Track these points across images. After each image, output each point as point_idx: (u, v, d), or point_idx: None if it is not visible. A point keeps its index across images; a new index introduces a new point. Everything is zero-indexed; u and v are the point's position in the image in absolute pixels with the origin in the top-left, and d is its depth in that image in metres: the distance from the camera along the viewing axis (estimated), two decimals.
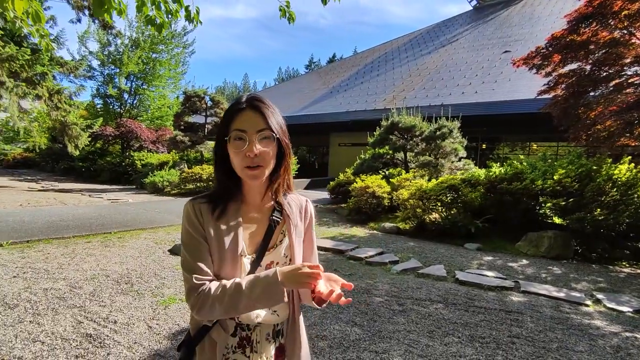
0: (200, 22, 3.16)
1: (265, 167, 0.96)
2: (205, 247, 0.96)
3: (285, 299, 0.91)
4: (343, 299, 0.85)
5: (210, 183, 12.24)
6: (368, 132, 11.94)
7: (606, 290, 4.34)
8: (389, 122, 10.83)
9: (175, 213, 8.46)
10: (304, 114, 20.68)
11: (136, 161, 16.90)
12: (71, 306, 3.32)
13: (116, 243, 5.72)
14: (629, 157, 6.19)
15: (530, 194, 6.40)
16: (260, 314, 1.00)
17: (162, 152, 18.41)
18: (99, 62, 21.43)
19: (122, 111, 22.40)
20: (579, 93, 7.03)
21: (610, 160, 6.39)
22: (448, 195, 7.18)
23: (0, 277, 3.96)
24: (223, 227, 0.98)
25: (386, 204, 8.73)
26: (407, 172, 10.33)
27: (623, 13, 6.06)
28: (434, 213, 7.16)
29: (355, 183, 9.27)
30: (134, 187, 15.33)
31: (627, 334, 3.16)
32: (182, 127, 15.71)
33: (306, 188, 16.04)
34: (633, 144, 6.90)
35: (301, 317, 1.12)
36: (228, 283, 0.92)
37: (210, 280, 0.94)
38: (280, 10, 3.21)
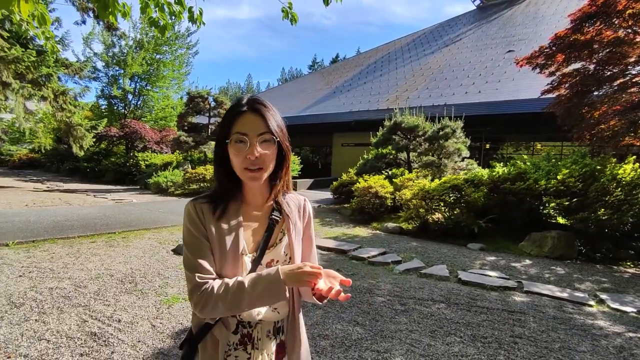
0: (204, 23, 3.18)
1: (265, 169, 0.98)
2: (207, 246, 0.98)
3: (287, 297, 0.93)
4: (342, 295, 0.87)
5: (214, 183, 12.30)
6: (371, 132, 11.94)
7: (610, 290, 4.32)
8: (392, 122, 10.83)
9: (179, 213, 8.51)
10: (307, 114, 20.70)
11: (140, 162, 17.01)
12: (76, 305, 3.36)
13: (120, 243, 5.77)
14: (634, 157, 6.15)
15: (533, 194, 6.38)
16: (261, 311, 1.02)
17: (166, 153, 18.52)
18: (104, 64, 21.65)
19: (126, 112, 22.57)
20: (582, 92, 6.99)
21: (614, 160, 6.35)
22: (451, 195, 7.16)
23: (7, 277, 4.01)
24: (224, 226, 0.99)
25: (389, 204, 8.72)
26: (410, 172, 10.32)
27: (627, 12, 6.02)
28: (436, 213, 7.15)
29: (358, 183, 9.27)
30: (138, 187, 15.42)
31: (631, 334, 3.15)
32: (186, 128, 15.78)
33: (309, 188, 16.06)
34: (638, 144, 6.85)
35: (301, 314, 1.14)
36: (230, 281, 0.94)
37: (213, 279, 0.95)
38: (282, 11, 3.23)
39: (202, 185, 12.67)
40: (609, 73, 6.65)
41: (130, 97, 22.59)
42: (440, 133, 9.88)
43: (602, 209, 5.68)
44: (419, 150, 10.60)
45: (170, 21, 3.01)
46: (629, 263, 5.51)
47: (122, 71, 21.33)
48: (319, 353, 2.68)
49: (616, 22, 6.30)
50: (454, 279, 4.62)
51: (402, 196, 8.26)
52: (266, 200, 1.07)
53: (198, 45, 24.29)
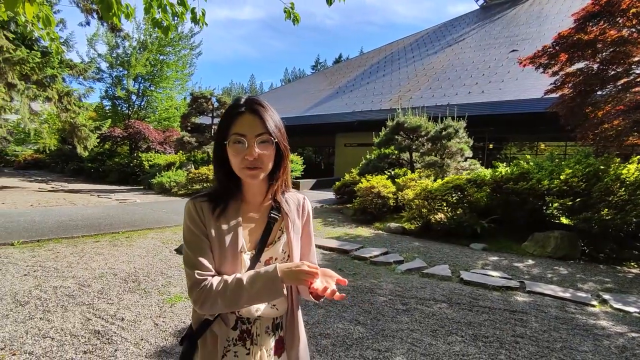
0: (206, 24, 3.20)
1: (264, 169, 0.99)
2: (207, 244, 0.99)
3: (284, 294, 0.94)
4: (337, 294, 0.88)
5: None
6: (374, 133, 11.95)
7: (613, 290, 4.30)
8: (395, 122, 10.83)
9: (182, 213, 8.51)
10: (310, 115, 20.73)
11: (144, 162, 17.09)
12: (80, 304, 3.39)
13: (124, 242, 5.80)
14: (638, 157, 6.12)
15: (536, 193, 6.36)
16: (260, 308, 1.04)
17: (170, 153, 18.59)
18: (108, 65, 21.78)
19: (130, 112, 22.69)
20: (586, 92, 6.96)
21: (618, 159, 6.32)
22: (454, 195, 7.15)
23: (12, 275, 4.05)
24: (223, 224, 1.01)
25: (391, 204, 8.72)
26: (413, 172, 10.31)
27: (631, 11, 5.99)
28: (439, 213, 7.14)
29: (360, 183, 9.28)
30: (142, 187, 15.50)
31: (634, 334, 3.14)
32: (189, 128, 15.86)
33: (312, 188, 16.07)
34: None
35: (299, 311, 1.15)
36: (229, 278, 0.95)
37: (212, 276, 0.97)
38: (285, 12, 3.25)
39: (205, 185, 12.72)
40: (612, 72, 6.62)
41: (134, 97, 22.72)
42: (443, 133, 9.87)
43: (606, 209, 5.65)
44: (421, 151, 10.60)
45: (173, 22, 3.04)
46: (632, 263, 5.48)
47: (126, 72, 21.46)
48: (320, 352, 2.69)
49: (620, 21, 6.27)
50: (456, 278, 4.61)
51: (404, 196, 8.26)
52: (265, 199, 1.09)
53: (201, 46, 24.44)
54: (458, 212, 7.01)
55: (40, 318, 3.05)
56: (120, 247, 5.53)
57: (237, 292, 0.93)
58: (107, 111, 23.54)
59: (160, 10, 2.90)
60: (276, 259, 1.07)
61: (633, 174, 5.75)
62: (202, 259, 0.97)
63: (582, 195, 5.97)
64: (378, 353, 2.69)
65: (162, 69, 22.64)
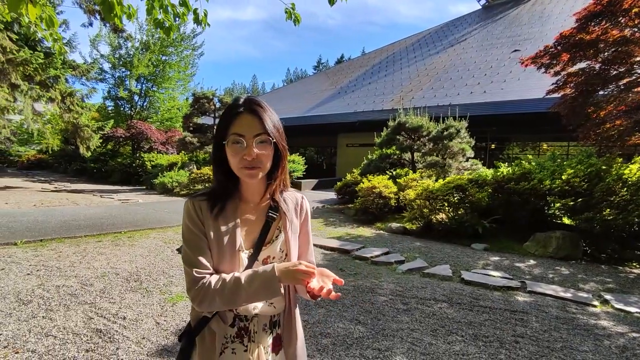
0: (209, 25, 3.22)
1: (262, 168, 1.00)
2: (205, 242, 1.00)
3: (281, 294, 0.96)
4: (333, 293, 0.89)
5: None
6: (375, 133, 11.94)
7: (615, 291, 4.29)
8: (396, 122, 10.83)
9: None
10: (312, 115, 20.74)
11: (146, 162, 17.15)
12: (82, 303, 3.41)
13: (126, 242, 5.83)
14: None
15: (538, 194, 6.35)
16: (257, 306, 1.05)
17: (172, 153, 18.66)
18: (110, 65, 21.88)
19: (132, 113, 22.78)
20: (587, 92, 6.94)
21: (620, 160, 6.30)
22: (455, 195, 7.15)
23: (15, 275, 4.08)
24: (222, 223, 1.02)
25: (393, 204, 8.73)
26: (415, 172, 10.31)
27: (633, 10, 5.98)
28: (440, 213, 7.14)
29: (362, 183, 9.28)
30: (144, 187, 15.55)
31: (635, 335, 3.13)
32: (191, 129, 15.91)
33: (314, 188, 16.09)
34: None
35: (297, 309, 1.16)
36: (228, 277, 0.96)
37: (211, 274, 0.98)
38: (286, 12, 3.26)
39: (207, 185, 12.74)
40: (614, 72, 6.60)
41: (136, 98, 22.81)
42: (445, 133, 9.86)
43: (608, 209, 5.64)
44: (423, 151, 10.59)
45: (175, 23, 3.06)
46: (634, 263, 5.46)
47: (128, 72, 21.55)
48: (320, 351, 2.70)
49: (622, 21, 6.26)
50: (457, 278, 4.62)
51: (406, 196, 8.25)
52: (263, 199, 1.10)
53: (203, 46, 24.46)
54: (459, 212, 7.00)
55: (43, 317, 3.08)
56: (122, 246, 5.56)
57: (235, 291, 0.94)
58: (110, 111, 23.65)
59: (162, 11, 2.92)
60: (274, 257, 1.08)
61: (635, 174, 5.74)
62: (200, 258, 0.98)
63: (584, 196, 5.96)
64: (378, 352, 2.70)
65: (165, 69, 22.73)
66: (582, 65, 7.06)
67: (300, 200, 1.17)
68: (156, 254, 5.23)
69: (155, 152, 18.49)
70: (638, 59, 6.36)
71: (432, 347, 2.80)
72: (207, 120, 16.59)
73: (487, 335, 3.03)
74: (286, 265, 0.95)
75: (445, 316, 3.39)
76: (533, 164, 7.15)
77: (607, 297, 4.02)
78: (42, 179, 18.34)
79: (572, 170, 6.20)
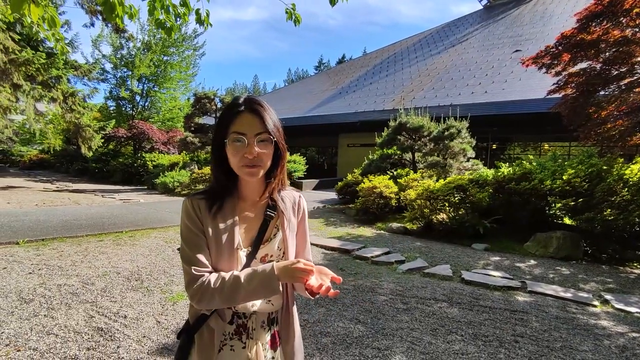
0: (211, 25, 3.23)
1: (263, 167, 1.02)
2: (204, 241, 1.01)
3: (280, 292, 0.96)
4: (331, 291, 0.90)
5: None
6: (377, 133, 11.95)
7: (615, 291, 4.29)
8: (397, 122, 10.82)
9: None
10: (313, 115, 20.75)
11: (148, 162, 17.19)
12: (83, 301, 3.43)
13: (127, 242, 5.85)
14: None
15: (538, 194, 6.35)
16: (255, 303, 1.06)
17: (173, 153, 18.70)
18: (112, 65, 21.92)
19: (134, 113, 22.83)
20: (589, 92, 6.93)
21: (622, 160, 6.29)
22: (456, 195, 7.15)
23: (17, 274, 4.10)
24: (220, 222, 1.03)
25: (393, 204, 8.73)
26: (415, 172, 10.31)
27: (634, 11, 5.97)
28: (441, 213, 7.14)
29: (362, 183, 9.29)
30: (146, 187, 15.59)
31: (634, 334, 3.13)
32: (193, 129, 15.93)
33: (315, 188, 16.10)
34: None
35: (294, 307, 1.17)
36: (227, 275, 0.97)
37: (209, 272, 0.99)
38: (286, 13, 3.27)
39: (208, 185, 12.76)
40: (615, 72, 6.59)
41: (138, 98, 22.85)
42: (446, 133, 9.85)
43: (609, 210, 5.64)
44: (424, 151, 10.59)
45: (176, 23, 3.08)
46: (635, 264, 5.45)
47: (130, 73, 21.59)
48: (320, 350, 2.71)
49: (623, 21, 6.25)
50: (457, 278, 4.62)
51: (406, 196, 8.26)
52: (262, 197, 1.11)
53: (205, 46, 24.46)
54: (460, 213, 7.00)
55: (45, 315, 3.10)
56: (123, 246, 5.58)
57: (234, 289, 0.95)
58: (112, 112, 23.70)
59: (163, 11, 2.94)
60: (272, 256, 1.09)
61: (636, 174, 5.73)
62: (199, 256, 0.99)
63: (584, 196, 5.96)
64: (377, 351, 2.71)
65: (166, 69, 22.77)
66: (583, 65, 7.05)
67: (298, 199, 1.18)
68: (157, 253, 5.25)
69: (157, 152, 18.54)
70: (639, 59, 6.35)
71: (431, 346, 2.81)
72: (208, 120, 16.61)
73: (487, 334, 3.03)
74: (285, 264, 0.96)
75: (445, 316, 3.40)
76: (534, 164, 7.14)
77: (608, 297, 4.01)
78: (44, 178, 18.39)
79: (573, 171, 6.20)
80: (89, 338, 2.76)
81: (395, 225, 7.70)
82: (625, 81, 6.55)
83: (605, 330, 3.20)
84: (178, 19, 3.09)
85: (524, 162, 7.32)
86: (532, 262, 5.49)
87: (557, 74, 7.38)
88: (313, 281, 0.93)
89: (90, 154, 14.65)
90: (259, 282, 0.94)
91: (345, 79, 27.36)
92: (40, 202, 10.01)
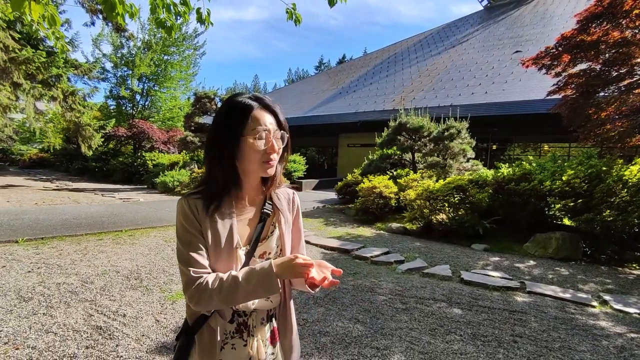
0: (212, 24, 3.23)
1: (278, 162, 1.06)
2: (201, 241, 1.00)
3: (280, 290, 0.96)
4: (333, 279, 0.93)
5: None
6: (376, 133, 11.95)
7: (614, 291, 4.29)
8: (397, 122, 10.83)
9: None
10: (313, 115, 20.76)
11: (148, 161, 17.19)
12: (82, 300, 3.43)
13: (127, 240, 5.85)
14: None
15: (538, 194, 6.35)
16: (255, 301, 1.06)
17: (173, 153, 18.70)
18: (112, 64, 21.91)
19: (134, 112, 22.82)
20: (588, 93, 6.95)
21: (621, 161, 6.30)
22: (455, 195, 7.15)
23: (16, 272, 4.10)
24: (218, 221, 1.02)
25: (393, 204, 8.73)
26: (415, 172, 10.31)
27: (634, 12, 5.98)
28: (441, 213, 7.14)
29: (362, 183, 9.29)
30: (146, 186, 15.59)
31: (633, 335, 3.14)
32: (193, 128, 15.93)
33: (314, 188, 16.10)
34: None
35: (291, 302, 1.18)
36: (225, 276, 0.96)
37: (207, 273, 0.98)
38: (287, 12, 3.27)
39: None
40: (615, 74, 6.61)
41: (138, 97, 22.84)
42: (446, 134, 9.86)
43: (608, 210, 5.64)
44: (423, 151, 10.60)
45: (177, 22, 3.08)
46: (634, 265, 5.46)
47: (130, 72, 21.58)
48: (319, 349, 2.71)
49: (623, 22, 6.26)
50: (457, 278, 4.62)
51: (406, 196, 8.26)
52: (259, 194, 1.11)
53: (205, 46, 24.55)
54: (460, 213, 7.01)
55: (44, 314, 3.10)
56: (123, 245, 5.58)
57: (233, 290, 0.94)
58: (112, 111, 23.68)
59: (164, 10, 2.94)
60: (270, 253, 1.10)
61: (635, 175, 5.73)
62: (196, 257, 0.98)
63: (584, 197, 5.96)
64: (376, 351, 2.71)
65: (166, 69, 22.75)
66: (583, 66, 7.07)
67: (292, 196, 1.20)
68: (157, 252, 5.25)
69: (157, 152, 18.54)
70: (639, 60, 6.36)
71: (430, 346, 2.81)
72: (208, 119, 16.60)
73: (486, 334, 3.03)
74: (283, 261, 0.96)
75: (444, 316, 3.40)
76: (533, 164, 7.15)
77: (606, 297, 4.02)
78: (44, 177, 18.38)
79: (572, 171, 6.20)
80: (87, 337, 2.76)
81: (394, 225, 7.70)
82: (625, 82, 6.56)
83: (603, 331, 3.20)
84: (178, 18, 3.09)
85: (524, 162, 7.33)
86: (532, 262, 5.50)
87: (557, 74, 7.39)
88: (315, 274, 0.94)
89: (90, 153, 14.64)
90: (258, 281, 0.94)
91: (345, 79, 27.36)
92: (39, 200, 10.01)
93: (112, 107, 23.89)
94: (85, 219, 7.36)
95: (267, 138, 1.00)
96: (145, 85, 22.69)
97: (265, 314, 1.11)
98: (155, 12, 2.89)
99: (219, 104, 15.81)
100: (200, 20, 3.13)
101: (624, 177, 5.75)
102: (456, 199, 7.14)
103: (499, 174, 7.22)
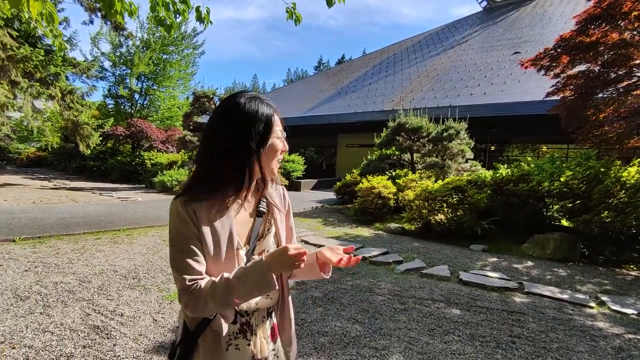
0: (211, 22, 3.23)
1: None
2: (198, 246, 0.96)
3: (276, 287, 0.93)
4: (353, 258, 1.02)
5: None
6: (375, 133, 11.96)
7: (611, 292, 4.30)
8: (396, 123, 10.84)
9: None
10: (312, 115, 20.76)
11: (146, 160, 17.14)
12: (80, 299, 3.42)
13: (125, 240, 5.84)
14: (639, 160, 6.11)
15: (536, 195, 6.36)
16: (257, 300, 1.07)
17: (172, 152, 18.64)
18: (111, 63, 21.85)
19: (132, 111, 22.75)
20: (587, 94, 6.97)
21: (619, 162, 6.32)
22: (454, 196, 7.16)
23: (13, 271, 4.08)
24: (217, 224, 0.99)
25: (392, 204, 8.74)
26: (414, 173, 10.32)
27: (633, 14, 6.00)
28: (439, 214, 7.14)
29: (361, 184, 9.29)
30: (144, 186, 15.55)
31: (630, 336, 3.14)
32: (191, 127, 15.90)
33: (313, 188, 16.09)
34: None
35: (289, 297, 1.20)
36: (217, 279, 0.93)
37: (202, 279, 0.95)
38: (287, 12, 3.27)
39: None
40: (613, 75, 6.63)
41: (136, 96, 22.77)
42: (444, 134, 9.87)
43: (606, 212, 5.65)
44: (422, 152, 10.60)
45: (176, 20, 3.07)
46: (631, 266, 5.47)
47: (129, 71, 21.52)
48: (317, 349, 2.71)
49: (622, 24, 6.28)
50: (455, 279, 4.62)
51: (405, 197, 8.26)
52: (256, 193, 1.11)
53: (204, 45, 24.41)
54: (458, 213, 7.01)
55: (40, 313, 3.08)
56: (121, 244, 5.56)
57: (227, 293, 0.91)
58: (110, 110, 23.60)
59: (163, 7, 2.93)
60: (268, 250, 1.09)
61: (633, 176, 5.74)
62: (192, 263, 0.94)
63: (582, 198, 5.97)
64: (375, 351, 2.71)
65: (165, 68, 22.70)
66: (582, 67, 7.09)
67: (282, 192, 1.21)
68: (154, 251, 5.24)
69: (155, 151, 18.47)
70: (637, 62, 6.38)
71: (429, 346, 2.81)
72: (207, 119, 16.56)
73: (484, 335, 3.03)
74: (274, 255, 0.92)
75: (442, 316, 3.40)
76: (532, 165, 7.16)
77: (604, 298, 4.02)
78: (42, 176, 18.32)
79: (570, 173, 6.21)
80: (85, 336, 2.74)
81: (393, 225, 7.70)
82: (624, 84, 6.59)
83: (601, 332, 3.20)
84: (178, 16, 3.08)
85: (522, 163, 7.34)
86: (530, 263, 5.50)
87: (556, 76, 7.41)
88: (331, 256, 1.02)
89: (89, 152, 14.59)
90: (252, 281, 0.91)
91: (344, 79, 27.37)
92: (37, 199, 9.97)
93: (110, 106, 23.82)
94: (82, 218, 7.34)
95: (283, 139, 1.07)
96: (143, 84, 22.63)
97: (265, 311, 1.11)
98: (155, 10, 2.89)
99: (217, 103, 15.77)
100: (200, 18, 3.12)
101: (622, 179, 5.77)
102: (455, 199, 7.14)
103: (497, 175, 7.23)
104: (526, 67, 7.73)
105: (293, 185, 15.40)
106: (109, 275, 4.14)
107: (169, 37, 21.13)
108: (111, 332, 2.82)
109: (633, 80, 6.57)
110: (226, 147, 0.99)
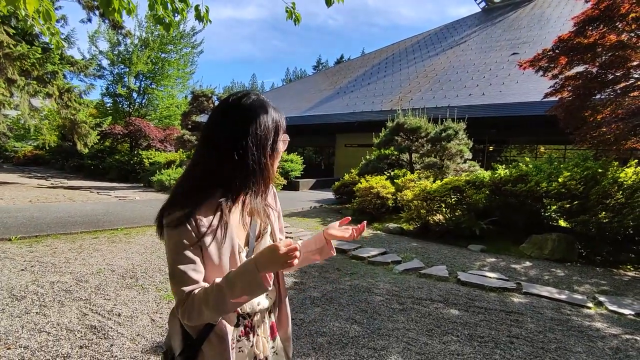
0: (210, 21, 3.22)
1: None
2: (198, 254, 0.93)
3: (271, 286, 0.89)
4: (359, 225, 1.19)
5: None
6: (374, 133, 11.95)
7: (609, 293, 4.31)
8: (395, 123, 10.83)
9: None
10: (310, 115, 20.75)
11: (144, 160, 17.08)
12: (77, 299, 3.40)
13: (122, 239, 5.81)
14: (636, 161, 6.14)
15: (534, 196, 6.37)
16: (260, 301, 1.07)
17: (170, 151, 18.58)
18: (109, 62, 21.75)
19: (131, 110, 22.67)
20: (585, 95, 6.99)
21: (616, 163, 6.33)
22: (452, 196, 7.16)
23: (9, 270, 4.06)
24: (218, 230, 0.96)
25: (390, 204, 8.74)
26: (412, 173, 10.32)
27: (631, 15, 6.02)
28: (438, 214, 7.15)
29: (359, 184, 9.29)
30: (142, 185, 15.51)
31: (628, 336, 3.15)
32: (190, 127, 15.85)
33: (311, 188, 16.09)
34: None
35: (286, 295, 1.20)
36: (209, 286, 0.91)
37: (199, 287, 0.92)
38: (286, 11, 3.26)
39: None
40: (611, 76, 6.65)
41: (135, 95, 22.69)
42: (443, 134, 9.88)
43: (603, 212, 5.67)
44: (421, 152, 10.61)
45: (175, 19, 3.06)
46: (629, 266, 5.49)
47: (127, 69, 21.43)
48: (316, 350, 2.70)
49: (619, 25, 6.30)
50: (453, 279, 4.62)
51: (403, 197, 8.26)
52: None
53: (203, 44, 24.42)
54: (457, 214, 7.01)
55: (37, 313, 3.06)
56: (118, 243, 5.54)
57: (220, 299, 0.87)
58: (108, 108, 23.51)
59: (162, 6, 2.92)
60: None
61: (630, 177, 5.77)
62: (192, 274, 0.92)
63: (579, 198, 5.99)
64: (373, 351, 2.70)
65: (164, 67, 22.62)
66: (580, 68, 7.11)
67: (273, 190, 1.21)
68: (152, 251, 5.22)
69: (153, 150, 18.41)
70: (635, 63, 6.41)
71: (427, 346, 2.81)
72: (205, 118, 16.53)
73: (483, 335, 3.03)
74: (264, 255, 0.87)
75: (441, 316, 3.40)
76: (530, 166, 7.17)
77: (602, 299, 4.04)
78: (39, 175, 18.24)
79: (568, 173, 6.23)
80: (82, 336, 2.73)
81: (391, 225, 7.70)
82: (621, 85, 6.61)
83: (599, 332, 3.21)
84: (177, 15, 3.07)
85: (521, 164, 7.35)
86: (528, 263, 5.51)
87: (554, 77, 7.43)
88: (341, 233, 1.22)
89: (86, 150, 14.53)
90: (243, 283, 0.86)
91: (343, 79, 27.37)
92: (34, 198, 9.92)
93: (108, 105, 23.72)
94: (80, 217, 7.30)
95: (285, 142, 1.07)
96: (142, 83, 22.55)
97: (266, 311, 1.12)
98: (154, 9, 2.87)
99: (216, 103, 15.77)
100: (199, 17, 3.11)
101: (619, 180, 5.79)
102: (453, 199, 7.15)
103: (495, 175, 7.24)
104: (524, 68, 7.76)
105: (291, 185, 15.39)
106: (106, 274, 4.12)
107: (167, 36, 21.07)
108: (108, 332, 2.80)
109: (630, 82, 6.59)
110: (239, 147, 0.96)
